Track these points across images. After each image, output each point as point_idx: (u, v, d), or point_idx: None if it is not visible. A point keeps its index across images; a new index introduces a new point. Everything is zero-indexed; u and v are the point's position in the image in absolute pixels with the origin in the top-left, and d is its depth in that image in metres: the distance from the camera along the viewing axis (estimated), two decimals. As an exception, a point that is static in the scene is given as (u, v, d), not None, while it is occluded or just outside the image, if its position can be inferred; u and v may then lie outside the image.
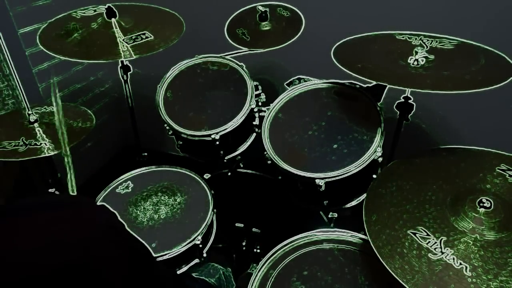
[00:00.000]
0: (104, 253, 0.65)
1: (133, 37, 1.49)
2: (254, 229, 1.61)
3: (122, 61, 1.66)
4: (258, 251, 1.59)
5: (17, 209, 0.67)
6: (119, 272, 0.66)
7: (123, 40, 1.48)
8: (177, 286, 0.86)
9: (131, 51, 1.44)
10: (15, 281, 0.57)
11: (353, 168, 1.29)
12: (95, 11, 1.60)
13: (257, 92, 1.61)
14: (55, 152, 1.38)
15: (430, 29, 1.36)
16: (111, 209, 0.71)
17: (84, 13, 1.61)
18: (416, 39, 1.32)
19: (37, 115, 1.48)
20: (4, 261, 0.57)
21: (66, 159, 0.97)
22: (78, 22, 1.56)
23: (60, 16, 1.61)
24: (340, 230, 1.17)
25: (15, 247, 0.58)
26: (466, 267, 0.87)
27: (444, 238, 0.93)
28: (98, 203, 0.76)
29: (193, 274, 1.39)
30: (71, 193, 1.05)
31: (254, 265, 1.16)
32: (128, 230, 0.72)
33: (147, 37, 1.50)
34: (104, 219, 0.68)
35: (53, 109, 0.92)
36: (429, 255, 0.91)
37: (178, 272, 1.38)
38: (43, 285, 0.58)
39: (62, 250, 0.60)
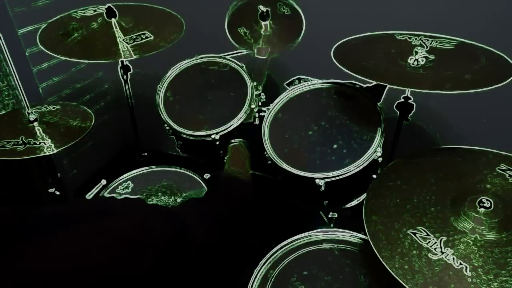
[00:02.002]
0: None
1: (133, 37, 1.49)
2: None
3: (122, 61, 1.66)
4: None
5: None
6: None
7: (123, 40, 1.48)
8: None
9: (131, 51, 1.44)
10: None
11: (353, 168, 1.29)
12: (95, 11, 1.60)
13: (257, 92, 1.61)
14: (55, 152, 1.38)
15: (430, 29, 1.36)
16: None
17: (84, 13, 1.61)
18: (416, 39, 1.32)
19: (37, 114, 1.48)
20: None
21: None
22: (78, 22, 1.56)
23: (60, 16, 1.61)
24: (340, 230, 1.17)
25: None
26: (466, 267, 0.87)
27: (444, 238, 0.93)
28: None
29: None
30: None
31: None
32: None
33: (147, 37, 1.51)
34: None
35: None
36: (429, 255, 0.91)
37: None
38: None
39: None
